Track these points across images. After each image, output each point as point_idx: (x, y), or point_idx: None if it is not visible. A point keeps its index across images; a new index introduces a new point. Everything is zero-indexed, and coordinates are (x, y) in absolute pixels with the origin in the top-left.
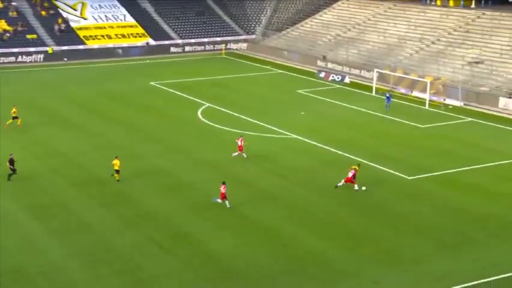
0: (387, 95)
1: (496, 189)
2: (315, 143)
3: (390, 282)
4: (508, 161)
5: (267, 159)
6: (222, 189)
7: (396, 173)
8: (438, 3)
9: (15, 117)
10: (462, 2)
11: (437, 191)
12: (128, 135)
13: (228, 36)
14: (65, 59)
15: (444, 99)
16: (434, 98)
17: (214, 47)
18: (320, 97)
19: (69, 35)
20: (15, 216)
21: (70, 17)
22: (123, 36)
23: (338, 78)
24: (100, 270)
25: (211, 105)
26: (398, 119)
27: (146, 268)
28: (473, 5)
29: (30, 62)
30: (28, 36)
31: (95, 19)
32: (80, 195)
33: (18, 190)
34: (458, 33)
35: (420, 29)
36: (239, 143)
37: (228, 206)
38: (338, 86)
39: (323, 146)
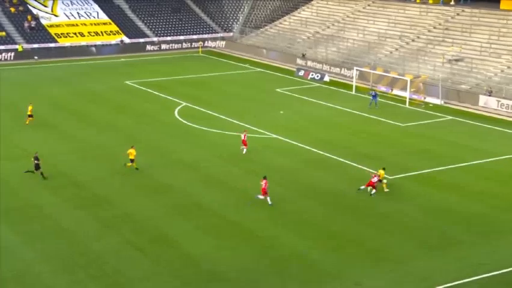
0: (373, 93)
1: (478, 188)
2: (295, 142)
3: (374, 282)
4: (489, 160)
5: (247, 160)
6: (263, 184)
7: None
8: (418, 0)
9: (30, 115)
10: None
11: (419, 190)
12: (103, 135)
13: (205, 34)
14: (36, 58)
15: (425, 98)
16: (415, 97)
17: (191, 45)
18: (299, 96)
19: (40, 32)
20: None
21: (40, 13)
22: (96, 34)
23: (317, 76)
24: (76, 274)
25: (188, 104)
26: (379, 118)
27: (124, 272)
28: (452, 2)
29: (0, 60)
30: None
31: (67, 16)
32: (55, 198)
33: None
34: (437, 30)
35: (399, 27)
36: (242, 137)
37: (270, 203)
38: (318, 84)
39: (303, 146)
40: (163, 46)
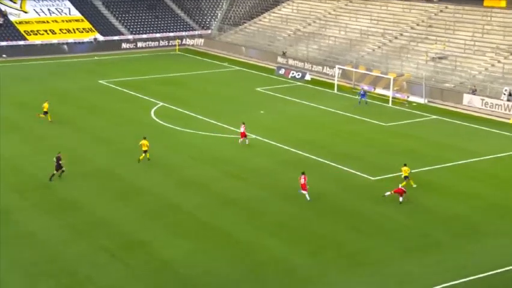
0: (362, 91)
1: (461, 189)
2: (274, 143)
3: (355, 287)
4: (473, 160)
5: (225, 161)
6: (302, 179)
7: (360, 174)
8: None
9: (45, 112)
10: None
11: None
12: (76, 137)
13: (182, 31)
14: (4, 56)
15: (408, 97)
16: (398, 95)
17: (169, 42)
18: (279, 95)
19: (8, 29)
20: None
21: (8, 10)
22: (68, 31)
23: (298, 75)
24: (45, 283)
25: (165, 104)
26: (361, 117)
27: (96, 279)
28: None
29: None
30: None
31: (37, 13)
32: (23, 202)
33: None
34: (421, 27)
35: (382, 24)
36: (241, 130)
37: (308, 198)
38: (299, 83)
39: (283, 146)
40: (139, 44)
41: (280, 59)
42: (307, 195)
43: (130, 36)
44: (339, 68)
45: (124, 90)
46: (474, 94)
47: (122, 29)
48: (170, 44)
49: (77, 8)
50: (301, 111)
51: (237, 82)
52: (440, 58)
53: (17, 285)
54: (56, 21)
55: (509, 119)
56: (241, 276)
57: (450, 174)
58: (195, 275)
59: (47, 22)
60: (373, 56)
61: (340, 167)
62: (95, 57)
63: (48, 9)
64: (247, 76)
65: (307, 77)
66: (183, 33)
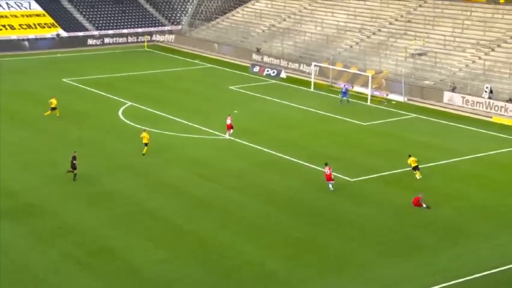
0: (344, 89)
1: (444, 190)
2: (249, 143)
3: None
4: (455, 160)
5: (198, 163)
6: (327, 170)
7: (338, 175)
8: None
9: (53, 108)
10: None
11: (383, 193)
12: (39, 139)
13: (151, 27)
14: None
15: (387, 95)
16: (376, 93)
17: (137, 39)
18: (254, 93)
19: None
20: None
21: None
22: (29, 26)
23: (273, 72)
24: None
25: (133, 104)
26: (339, 117)
27: None
28: None
29: None
30: None
31: None
32: None
33: None
34: (399, 23)
35: (360, 19)
36: (228, 122)
37: (332, 188)
38: (274, 81)
39: (258, 147)
40: (106, 40)
41: (254, 56)
42: (330, 186)
43: (96, 32)
44: (316, 65)
45: (90, 89)
46: (454, 92)
47: (87, 25)
48: (139, 40)
49: (38, 2)
50: (276, 111)
51: (209, 80)
52: (419, 54)
53: None
54: (15, 16)
55: (490, 117)
56: (216, 283)
57: (432, 175)
58: (167, 282)
59: (6, 17)
60: (351, 52)
61: (318, 168)
62: (59, 54)
63: (7, 3)
64: (219, 74)
65: (283, 75)
66: (152, 29)
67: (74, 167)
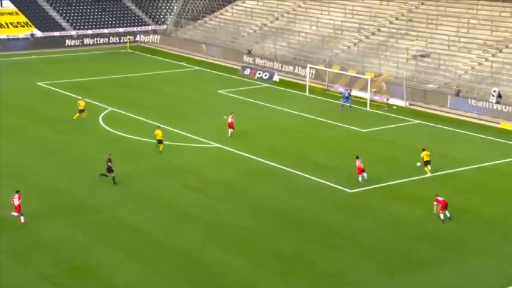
0: (346, 94)
1: (448, 202)
2: (239, 151)
3: None
4: (460, 169)
5: (184, 173)
6: (358, 163)
7: (335, 185)
8: None
9: (82, 111)
10: None
11: (382, 205)
12: (13, 147)
13: (134, 26)
14: None
15: (388, 99)
16: (376, 98)
17: (119, 39)
18: (245, 98)
19: None
20: None
21: None
22: (1, 26)
23: (266, 75)
24: None
25: (115, 109)
26: (336, 123)
27: None
28: None
29: None
30: None
31: None
32: None
33: None
34: (400, 22)
35: (358, 18)
36: (229, 120)
37: (366, 178)
38: (266, 84)
39: (248, 155)
40: (85, 41)
41: (245, 58)
42: (360, 178)
43: (74, 32)
44: (311, 68)
45: (68, 93)
46: (459, 96)
47: (65, 24)
48: (121, 41)
49: (10, 0)
50: (269, 116)
51: (196, 84)
52: (422, 56)
53: None
54: None
55: (498, 123)
56: None
57: (434, 185)
58: None
59: None
60: (348, 54)
61: (312, 177)
62: (33, 56)
63: None
64: (208, 77)
65: (276, 78)
66: (135, 29)
67: (110, 169)
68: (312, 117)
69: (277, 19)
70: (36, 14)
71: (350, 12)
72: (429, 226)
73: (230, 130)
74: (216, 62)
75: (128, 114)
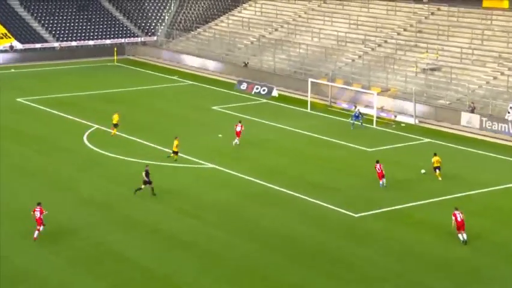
0: (357, 113)
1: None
2: (236, 173)
3: None
4: (473, 192)
5: (176, 196)
6: (378, 168)
7: (339, 209)
8: None
9: (116, 125)
10: None
11: (390, 231)
12: None
13: (122, 37)
14: None
15: (396, 116)
16: (383, 114)
17: (105, 52)
18: (241, 115)
19: None
20: None
21: None
22: None
23: (264, 90)
24: None
25: (100, 127)
26: (340, 141)
27: None
28: None
29: None
30: None
31: None
32: None
33: None
34: (408, 33)
35: (363, 29)
36: (238, 129)
37: (384, 185)
38: (264, 100)
39: (246, 177)
40: (70, 53)
41: (241, 72)
42: (383, 182)
43: (56, 44)
44: (313, 82)
45: (50, 110)
46: (473, 112)
47: (47, 35)
48: (107, 53)
49: None
50: (267, 134)
51: (189, 99)
52: (432, 70)
53: None
54: None
55: None
56: None
57: (447, 210)
58: None
59: None
60: (353, 67)
61: (315, 201)
62: (12, 70)
63: None
64: (201, 92)
65: (275, 93)
66: (123, 40)
67: (148, 182)
68: (314, 135)
69: (276, 30)
70: (15, 24)
71: (354, 22)
72: (440, 254)
73: (236, 139)
74: (210, 76)
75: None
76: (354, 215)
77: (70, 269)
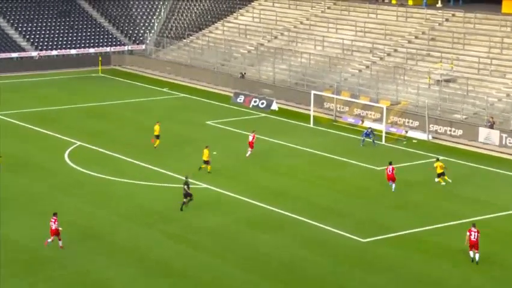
0: (368, 131)
1: (480, 253)
2: (232, 194)
3: None
4: (492, 215)
5: (166, 219)
6: (389, 170)
7: (346, 234)
8: (394, 1)
9: (157, 136)
10: (425, 0)
11: (401, 258)
12: None
13: (107, 46)
14: None
15: (407, 132)
16: (393, 130)
17: (89, 61)
18: (238, 130)
19: None
20: None
21: None
22: None
23: (262, 103)
24: None
25: (83, 144)
26: (346, 159)
27: None
28: (439, 4)
29: None
30: None
31: None
32: None
33: None
34: (421, 41)
35: (370, 36)
36: (250, 139)
37: (393, 190)
38: (263, 114)
39: (244, 199)
40: (50, 64)
41: (238, 83)
42: (393, 187)
43: (35, 53)
44: (316, 95)
45: (28, 125)
46: (492, 128)
47: (24, 44)
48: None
49: None
50: (266, 152)
51: (181, 113)
52: (446, 81)
53: None
54: None
55: None
56: None
57: (463, 235)
58: None
59: None
60: (360, 78)
61: (319, 225)
62: None
63: None
64: (194, 105)
65: (274, 107)
66: (108, 49)
67: (189, 194)
68: (318, 152)
69: (275, 38)
70: None
71: (361, 29)
72: (458, 284)
73: (249, 150)
74: (204, 88)
75: (99, 149)
76: (362, 240)
77: None
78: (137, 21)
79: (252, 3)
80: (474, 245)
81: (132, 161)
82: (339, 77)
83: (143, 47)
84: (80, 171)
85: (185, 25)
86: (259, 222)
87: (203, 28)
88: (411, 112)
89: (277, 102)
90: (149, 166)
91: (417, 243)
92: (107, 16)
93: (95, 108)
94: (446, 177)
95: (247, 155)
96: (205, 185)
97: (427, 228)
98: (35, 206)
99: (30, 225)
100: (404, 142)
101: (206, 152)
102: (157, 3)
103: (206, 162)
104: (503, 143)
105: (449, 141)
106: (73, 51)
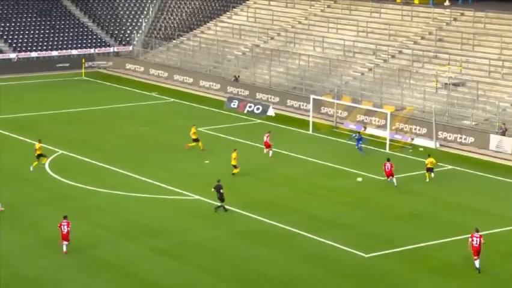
0: (358, 136)
1: (489, 270)
2: (226, 206)
3: None
4: (504, 229)
5: (154, 233)
6: (387, 167)
7: (347, 249)
8: (398, 0)
9: (195, 140)
10: None
11: (407, 275)
12: None
13: (91, 47)
14: None
15: (413, 139)
16: (398, 137)
17: (72, 64)
18: (231, 137)
19: None
20: None
21: None
22: None
23: (258, 109)
24: None
25: (65, 152)
26: (348, 169)
27: None
28: (447, 2)
29: None
30: None
31: None
32: None
33: None
34: (427, 42)
35: (373, 37)
36: (265, 139)
37: (396, 184)
38: (259, 120)
39: (238, 211)
40: (29, 66)
41: (231, 87)
42: (394, 181)
43: (13, 55)
44: (315, 100)
45: (5, 132)
46: (504, 135)
47: (1, 45)
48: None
49: None
50: (262, 160)
51: (170, 119)
52: (455, 85)
53: None
54: None
55: None
56: None
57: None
58: None
59: None
60: (362, 82)
61: (318, 239)
62: None
63: None
64: (185, 111)
65: (271, 112)
66: (92, 51)
67: (222, 198)
68: (318, 161)
69: (272, 38)
70: None
71: (363, 30)
72: None
73: (270, 150)
74: (195, 92)
75: (82, 158)
76: (364, 255)
77: None
78: (124, 20)
79: (247, 2)
80: (476, 252)
81: (117, 170)
82: (340, 80)
83: (130, 48)
84: (62, 182)
85: (175, 25)
86: (254, 235)
87: (194, 28)
88: (418, 118)
89: (273, 108)
90: (135, 176)
91: (423, 258)
92: (91, 15)
93: (78, 114)
94: (432, 174)
95: (269, 155)
96: (196, 196)
97: (433, 242)
98: (13, 219)
99: (9, 239)
100: (410, 150)
101: (234, 155)
102: (144, 1)
103: (234, 166)
104: None
105: (458, 149)
106: (55, 53)
